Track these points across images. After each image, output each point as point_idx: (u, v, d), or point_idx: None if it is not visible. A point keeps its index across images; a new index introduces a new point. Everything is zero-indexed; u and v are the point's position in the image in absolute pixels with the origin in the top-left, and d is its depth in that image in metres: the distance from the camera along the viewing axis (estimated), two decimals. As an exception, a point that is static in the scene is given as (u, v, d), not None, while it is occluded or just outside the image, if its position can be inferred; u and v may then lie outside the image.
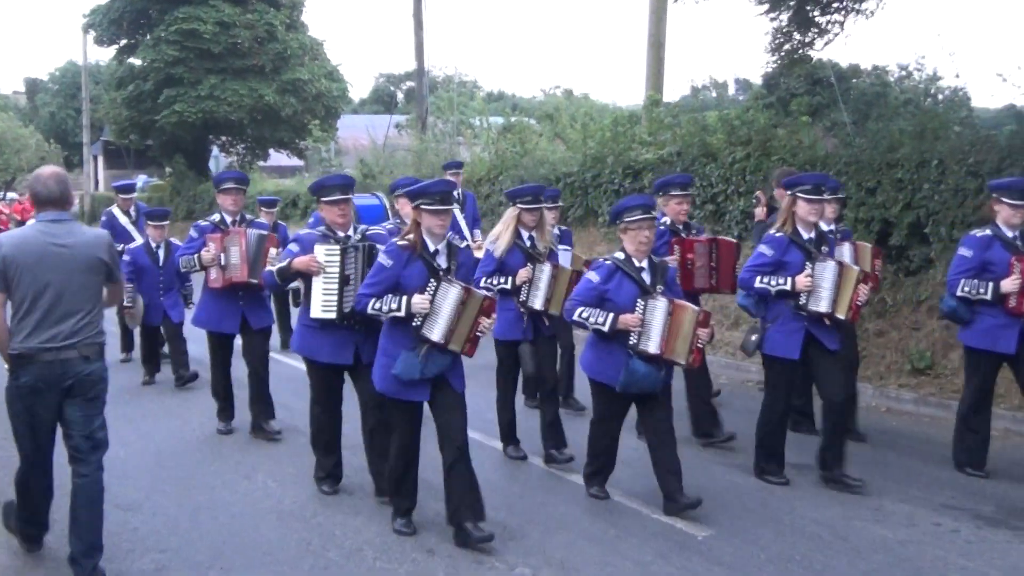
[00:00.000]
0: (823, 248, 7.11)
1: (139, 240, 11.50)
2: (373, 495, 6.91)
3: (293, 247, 6.67)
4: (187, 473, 7.63)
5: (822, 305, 6.90)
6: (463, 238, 10.67)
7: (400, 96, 65.89)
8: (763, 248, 7.13)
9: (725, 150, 13.32)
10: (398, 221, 8.07)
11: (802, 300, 6.95)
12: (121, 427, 9.00)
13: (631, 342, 6.42)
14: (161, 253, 10.89)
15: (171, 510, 6.71)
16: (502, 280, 7.52)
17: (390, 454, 6.22)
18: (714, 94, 55.40)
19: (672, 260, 7.65)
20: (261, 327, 8.62)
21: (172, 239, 11.13)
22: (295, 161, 38.09)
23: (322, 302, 6.36)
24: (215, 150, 29.78)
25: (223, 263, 8.05)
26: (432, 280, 5.77)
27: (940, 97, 25.47)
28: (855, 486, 6.97)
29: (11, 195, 53.28)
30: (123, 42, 34.29)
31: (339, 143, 32.56)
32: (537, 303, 7.57)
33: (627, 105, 31.80)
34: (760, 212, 9.39)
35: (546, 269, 7.55)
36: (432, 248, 5.91)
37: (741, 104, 26.39)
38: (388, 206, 10.88)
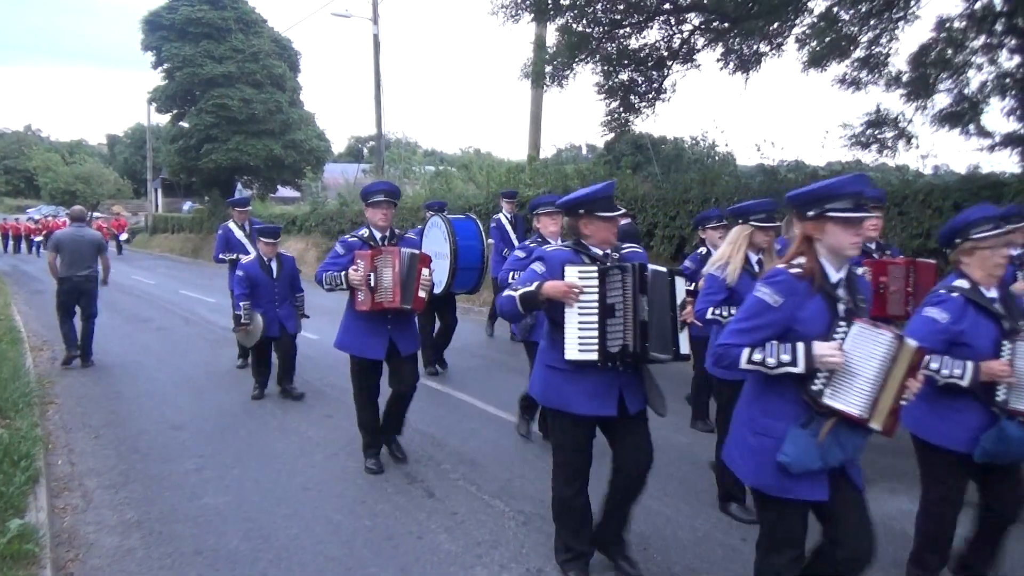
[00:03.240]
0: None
1: (253, 253, 8.13)
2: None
3: (537, 267, 3.62)
4: (218, 401, 7.40)
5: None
6: None
7: (365, 151, 65.01)
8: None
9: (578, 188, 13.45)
10: (538, 239, 5.60)
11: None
12: (172, 372, 8.78)
13: (998, 398, 3.30)
14: (274, 266, 7.57)
15: (207, 428, 6.51)
16: (731, 311, 4.28)
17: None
18: (572, 153, 56.02)
19: None
20: (410, 353, 5.43)
21: (283, 251, 7.79)
22: (295, 193, 37.54)
23: (579, 339, 3.45)
24: (239, 185, 29.14)
25: (372, 284, 5.05)
26: (841, 323, 2.77)
27: (717, 158, 26.07)
28: None
29: (103, 212, 51.86)
30: (176, 111, 33.40)
31: (324, 182, 32.13)
32: None
33: (517, 159, 31.94)
34: None
35: None
36: (834, 278, 2.83)
37: (589, 160, 26.64)
38: (478, 227, 8.36)
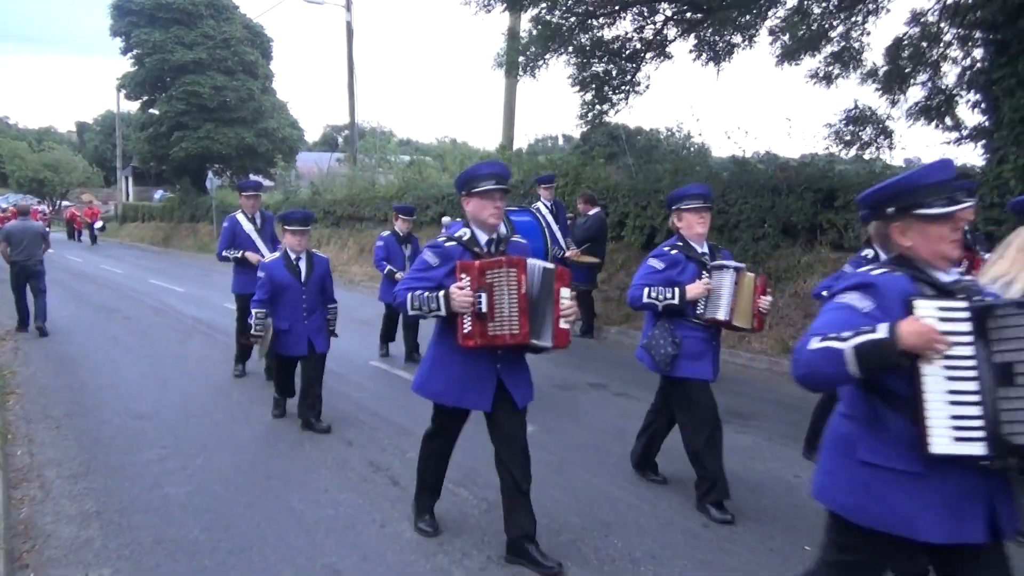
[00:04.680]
0: None
1: (265, 252, 7.17)
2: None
3: (856, 300, 2.21)
4: (184, 392, 7.32)
5: None
6: (560, 247, 9.02)
7: (340, 140, 64.57)
8: None
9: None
10: (679, 243, 4.43)
11: None
12: (139, 362, 8.68)
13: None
14: (303, 266, 5.99)
15: (171, 418, 6.44)
16: None
17: None
18: (549, 144, 56.15)
19: None
20: (524, 405, 3.86)
21: (314, 250, 6.23)
22: (267, 183, 37.22)
23: (950, 419, 2.06)
24: (210, 174, 28.80)
25: (484, 309, 3.46)
26: None
27: (692, 149, 26.22)
28: None
29: (72, 201, 51.05)
30: (145, 98, 32.86)
31: (298, 171, 31.88)
32: None
33: (493, 148, 31.97)
34: (581, 207, 9.68)
35: None
36: None
37: (565, 151, 26.71)
38: (543, 223, 7.30)
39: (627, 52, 12.56)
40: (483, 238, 3.72)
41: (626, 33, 12.35)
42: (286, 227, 6.00)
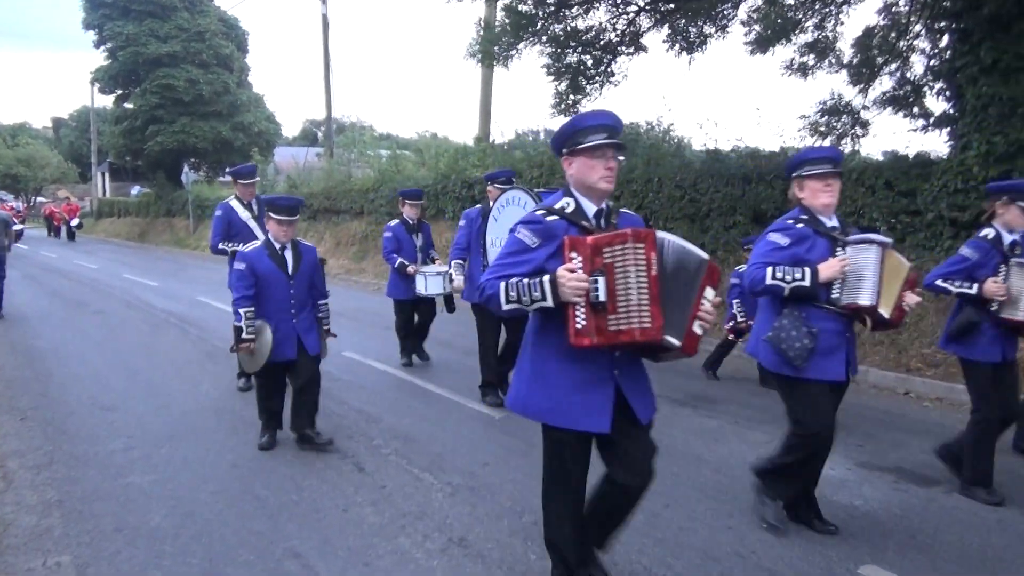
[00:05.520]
0: None
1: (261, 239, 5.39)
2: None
3: None
4: (152, 383, 7.27)
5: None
6: None
7: (320, 135, 64.29)
8: None
9: (527, 171, 13.54)
10: (803, 216, 3.72)
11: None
12: (108, 354, 8.63)
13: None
14: (289, 257, 5.21)
15: (139, 409, 6.40)
16: None
17: None
18: (530, 138, 56.18)
19: None
20: (649, 419, 3.00)
21: (301, 239, 5.49)
22: (245, 176, 36.93)
23: None
24: (186, 168, 28.58)
25: (600, 297, 2.60)
26: None
27: (672, 144, 26.29)
28: None
29: (47, 197, 50.43)
30: (120, 92, 32.57)
31: (276, 166, 31.69)
32: None
33: (470, 141, 31.97)
34: None
35: None
36: None
37: (546, 143, 26.83)
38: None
39: (601, 42, 12.59)
40: (590, 209, 2.91)
41: (600, 23, 12.38)
42: (271, 214, 5.19)
